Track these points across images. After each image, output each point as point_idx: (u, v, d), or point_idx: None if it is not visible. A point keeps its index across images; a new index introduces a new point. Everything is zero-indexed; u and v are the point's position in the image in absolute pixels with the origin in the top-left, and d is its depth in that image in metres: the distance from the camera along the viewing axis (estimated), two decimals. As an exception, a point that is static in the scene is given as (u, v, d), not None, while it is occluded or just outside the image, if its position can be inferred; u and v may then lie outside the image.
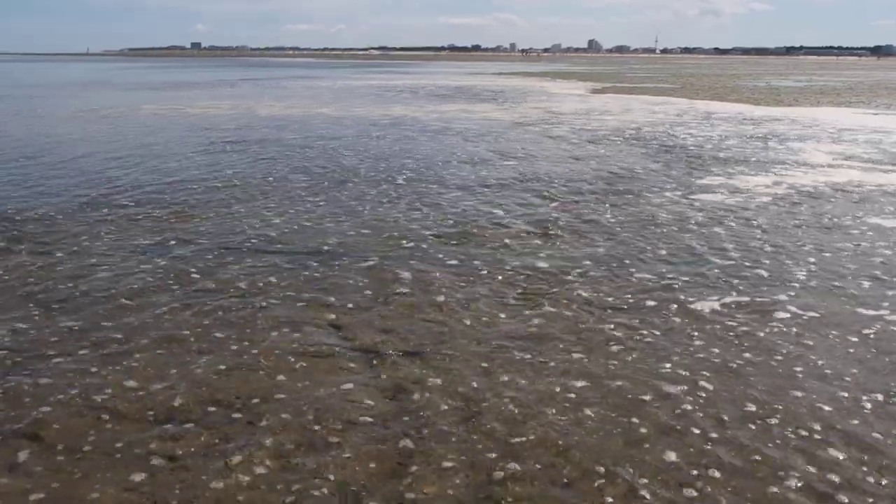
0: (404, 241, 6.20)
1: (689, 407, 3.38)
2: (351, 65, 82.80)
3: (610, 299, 4.80)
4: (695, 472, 2.86)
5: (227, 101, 23.59)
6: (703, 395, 3.51)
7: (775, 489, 2.72)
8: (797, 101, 24.12)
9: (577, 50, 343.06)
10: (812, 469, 2.86)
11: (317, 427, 3.20)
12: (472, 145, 12.54)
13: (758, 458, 2.95)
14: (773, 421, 3.23)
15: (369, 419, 3.27)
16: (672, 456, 2.98)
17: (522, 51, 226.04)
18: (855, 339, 4.15)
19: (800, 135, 14.09)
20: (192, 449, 3.03)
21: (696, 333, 4.26)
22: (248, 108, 20.52)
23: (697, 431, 3.17)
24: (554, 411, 3.34)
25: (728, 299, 4.81)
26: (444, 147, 12.33)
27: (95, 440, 3.09)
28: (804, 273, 5.33)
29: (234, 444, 3.06)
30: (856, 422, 3.23)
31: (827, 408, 3.33)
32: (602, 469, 2.88)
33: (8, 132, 14.03)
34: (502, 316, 4.54)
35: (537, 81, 39.62)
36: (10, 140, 12.78)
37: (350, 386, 3.59)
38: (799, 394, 3.47)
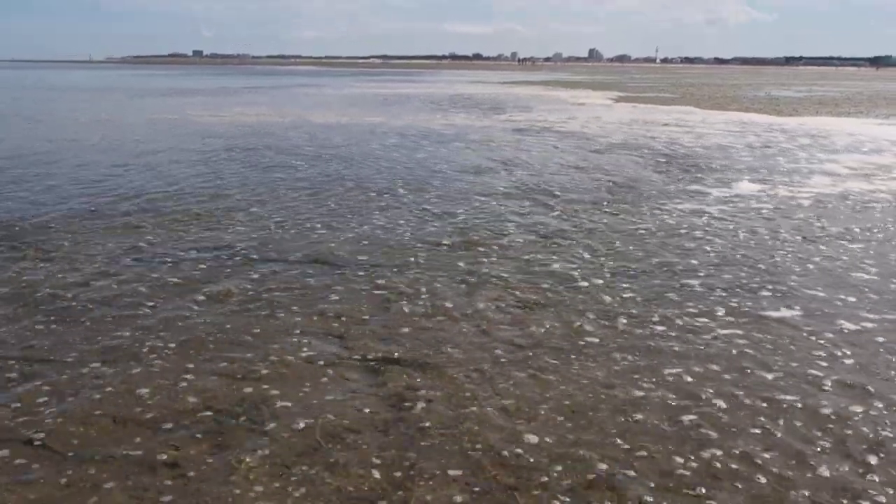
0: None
1: (694, 417, 3.44)
2: (356, 73, 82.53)
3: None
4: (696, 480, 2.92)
5: (270, 108, 23.66)
6: (712, 407, 3.57)
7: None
8: (801, 110, 24.40)
9: (577, 59, 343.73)
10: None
11: (319, 435, 3.24)
12: (574, 156, 12.62)
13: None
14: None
15: (371, 427, 3.32)
16: (674, 462, 3.04)
17: (520, 60, 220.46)
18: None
19: (843, 145, 14.40)
20: (197, 456, 3.07)
21: (704, 343, 4.34)
22: (299, 115, 20.46)
23: (700, 438, 3.24)
24: (555, 419, 3.40)
25: (792, 312, 4.91)
26: (549, 156, 12.43)
27: (101, 447, 3.13)
28: None
29: (238, 451, 3.11)
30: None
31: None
32: (603, 476, 2.94)
33: (99, 135, 14.20)
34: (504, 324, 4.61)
35: (553, 91, 39.79)
36: (109, 142, 12.85)
37: (352, 394, 3.64)
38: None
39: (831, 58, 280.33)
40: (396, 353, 4.15)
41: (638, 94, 35.37)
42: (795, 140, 15.41)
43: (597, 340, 4.39)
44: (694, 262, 6.08)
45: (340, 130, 16.62)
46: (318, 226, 7.28)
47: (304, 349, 4.22)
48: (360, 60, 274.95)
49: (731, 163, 11.94)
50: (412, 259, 6.07)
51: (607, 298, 5.13)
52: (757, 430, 3.35)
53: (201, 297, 5.07)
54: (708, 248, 6.51)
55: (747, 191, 9.45)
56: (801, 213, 8.13)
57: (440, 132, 16.44)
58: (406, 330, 4.52)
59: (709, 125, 18.84)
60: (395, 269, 5.78)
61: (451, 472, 2.98)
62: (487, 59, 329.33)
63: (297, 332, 4.48)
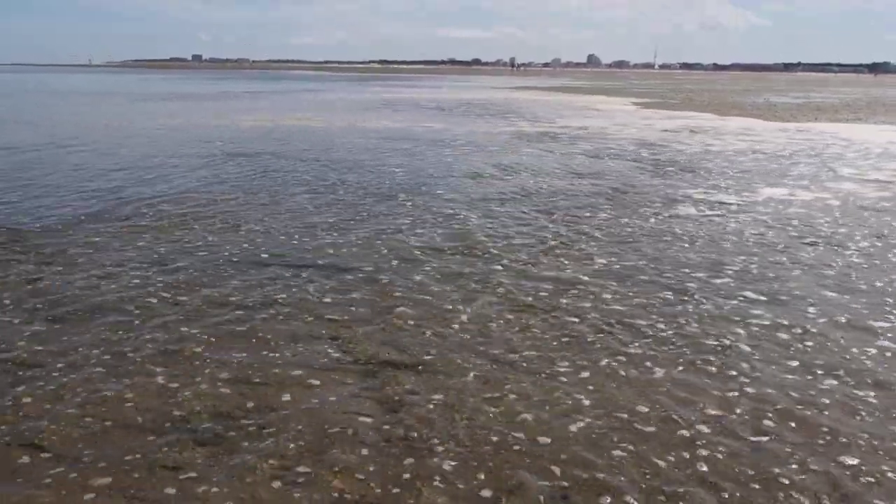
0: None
1: (701, 426, 3.46)
2: (359, 78, 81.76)
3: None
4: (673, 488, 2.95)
5: (307, 112, 23.68)
6: (710, 414, 3.58)
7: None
8: (805, 116, 24.53)
9: (576, 64, 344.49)
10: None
11: (319, 439, 3.27)
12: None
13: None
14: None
15: (371, 431, 3.35)
16: (661, 465, 3.06)
17: (518, 66, 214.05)
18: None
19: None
20: (197, 461, 3.09)
21: (697, 348, 4.35)
22: (351, 122, 20.06)
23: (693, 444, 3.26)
24: (552, 424, 3.42)
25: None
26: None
27: (100, 451, 3.16)
28: None
29: (238, 455, 3.13)
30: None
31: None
32: (601, 476, 2.97)
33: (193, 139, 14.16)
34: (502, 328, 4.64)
35: (568, 96, 39.89)
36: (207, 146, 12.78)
37: (352, 399, 3.67)
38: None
39: (829, 64, 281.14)
40: (397, 358, 4.17)
41: (652, 100, 35.53)
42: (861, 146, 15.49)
43: (598, 344, 4.40)
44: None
45: (405, 138, 16.26)
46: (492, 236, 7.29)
47: (305, 353, 4.24)
48: (359, 65, 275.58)
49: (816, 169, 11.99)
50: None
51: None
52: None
53: (201, 302, 5.09)
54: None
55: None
56: None
57: (509, 140, 16.25)
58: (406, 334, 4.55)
59: (759, 133, 18.79)
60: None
61: (448, 477, 3.00)
62: (486, 64, 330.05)
63: (298, 336, 4.50)
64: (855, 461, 3.16)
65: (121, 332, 4.51)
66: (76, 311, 4.86)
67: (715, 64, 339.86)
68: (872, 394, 3.81)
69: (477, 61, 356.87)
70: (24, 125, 18.40)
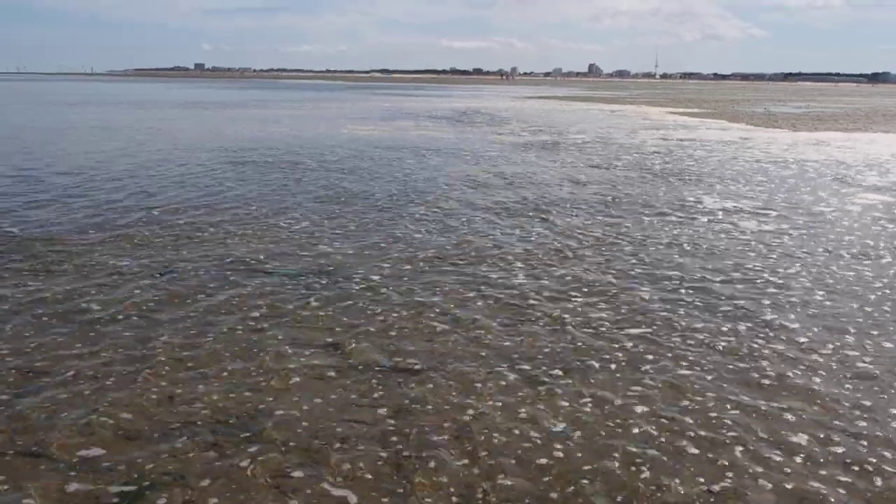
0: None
1: (678, 427, 3.50)
2: (364, 87, 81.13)
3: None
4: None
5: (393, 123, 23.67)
6: (691, 417, 3.63)
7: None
8: (804, 126, 24.60)
9: (577, 74, 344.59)
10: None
11: (317, 444, 3.31)
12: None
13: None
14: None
15: (367, 436, 3.38)
16: (645, 480, 3.10)
17: (511, 75, 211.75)
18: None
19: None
20: (199, 465, 3.13)
21: (690, 354, 4.40)
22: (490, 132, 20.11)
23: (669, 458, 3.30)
24: (544, 429, 3.46)
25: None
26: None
27: (106, 459, 3.20)
28: None
29: (238, 461, 3.17)
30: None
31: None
32: (588, 482, 3.01)
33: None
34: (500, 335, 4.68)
35: (603, 105, 40.10)
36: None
37: (351, 405, 3.70)
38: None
39: (829, 74, 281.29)
40: (396, 365, 4.22)
41: (681, 108, 35.93)
42: None
43: (593, 351, 4.44)
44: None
45: (441, 149, 16.33)
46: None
47: (305, 360, 4.28)
48: (361, 74, 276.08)
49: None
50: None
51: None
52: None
53: (202, 308, 5.13)
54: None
55: None
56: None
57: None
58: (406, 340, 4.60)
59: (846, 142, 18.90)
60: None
61: (445, 481, 3.05)
62: (487, 73, 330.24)
63: (298, 342, 4.54)
64: None
65: (125, 341, 4.55)
66: (76, 320, 4.90)
67: (715, 73, 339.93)
68: None
69: (478, 70, 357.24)
70: (38, 133, 18.07)
